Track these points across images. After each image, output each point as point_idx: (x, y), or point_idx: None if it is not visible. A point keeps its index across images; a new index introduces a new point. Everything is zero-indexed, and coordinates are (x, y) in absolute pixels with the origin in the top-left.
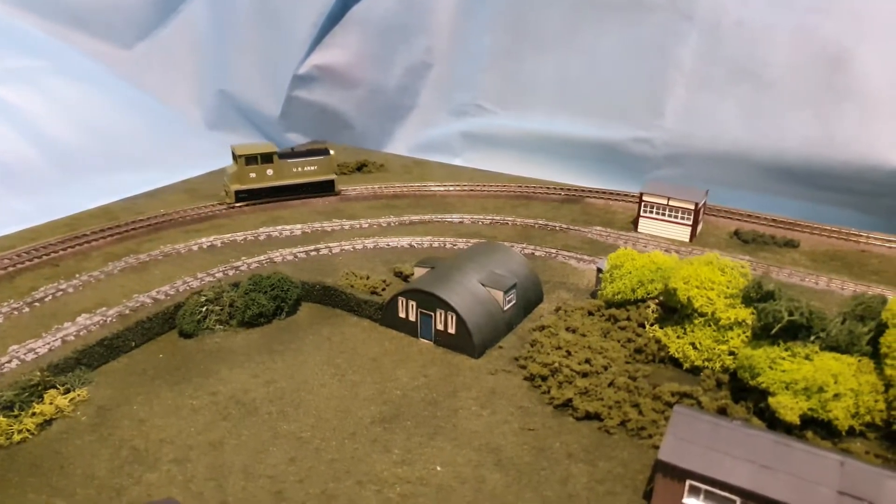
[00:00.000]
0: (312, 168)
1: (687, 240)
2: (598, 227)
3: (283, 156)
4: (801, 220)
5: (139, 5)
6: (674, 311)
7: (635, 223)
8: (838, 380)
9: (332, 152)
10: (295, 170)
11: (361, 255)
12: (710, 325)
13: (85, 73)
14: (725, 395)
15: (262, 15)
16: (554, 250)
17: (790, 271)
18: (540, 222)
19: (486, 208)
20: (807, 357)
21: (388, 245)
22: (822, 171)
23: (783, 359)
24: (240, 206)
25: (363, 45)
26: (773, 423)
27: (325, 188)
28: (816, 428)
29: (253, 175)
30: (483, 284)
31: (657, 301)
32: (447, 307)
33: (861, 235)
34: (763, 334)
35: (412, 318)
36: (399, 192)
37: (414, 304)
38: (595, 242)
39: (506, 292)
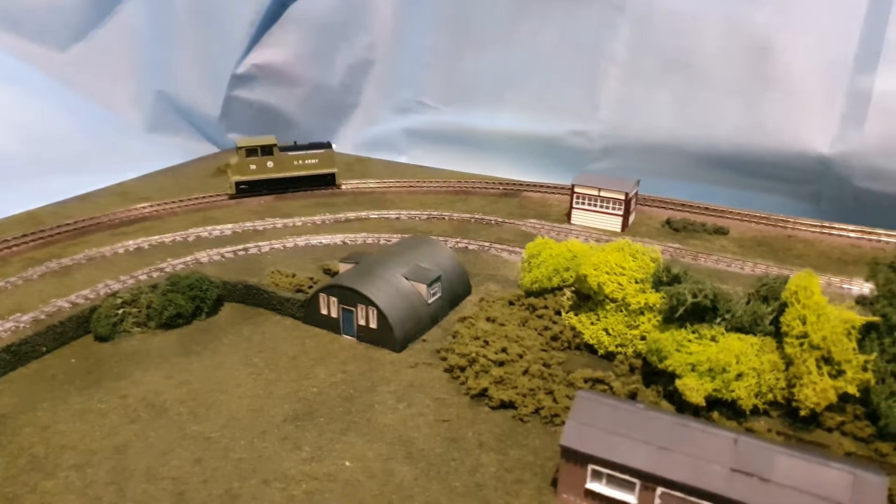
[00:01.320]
0: (313, 161)
1: (619, 230)
2: (533, 220)
3: (285, 148)
4: (731, 208)
5: (74, 6)
6: (588, 298)
7: (569, 215)
8: (741, 360)
9: (334, 146)
10: (296, 162)
11: (292, 254)
12: (621, 311)
13: (17, 77)
14: (637, 380)
15: (199, 14)
16: (487, 244)
17: (717, 258)
18: (476, 217)
19: (425, 204)
20: (713, 339)
21: (321, 243)
22: (752, 159)
23: (689, 341)
24: (240, 197)
25: (303, 43)
26: (682, 405)
27: (326, 181)
28: (722, 408)
29: (253, 167)
30: (407, 278)
31: (573, 289)
32: (368, 302)
33: (788, 221)
34: (671, 318)
35: (334, 314)
36: (337, 189)
37: (335, 300)
38: (529, 235)
39: (429, 285)
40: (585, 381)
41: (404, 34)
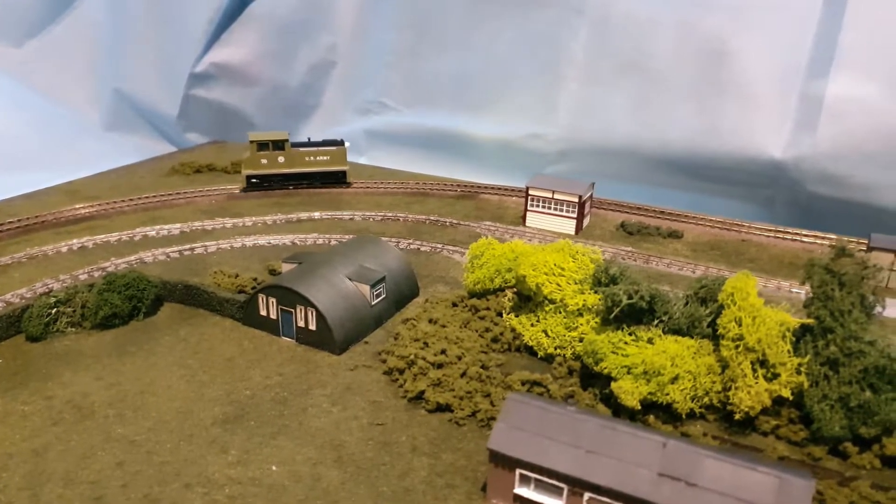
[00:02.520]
0: (325, 158)
1: (573, 233)
2: (488, 222)
3: (298, 144)
4: (686, 212)
5: (29, 1)
6: (529, 299)
7: (524, 218)
8: (676, 362)
9: (347, 144)
10: (307, 158)
11: (238, 254)
12: (560, 312)
13: None
14: (575, 383)
15: (158, 12)
16: (440, 245)
17: (669, 261)
18: (431, 218)
19: (381, 205)
20: (649, 341)
21: (269, 243)
22: (707, 163)
23: (626, 343)
24: (248, 192)
25: (263, 43)
26: (619, 408)
27: (337, 178)
28: (658, 412)
29: (264, 161)
30: (350, 279)
31: (515, 290)
32: (307, 303)
33: (743, 225)
34: (609, 319)
35: (273, 315)
36: (292, 190)
37: (274, 300)
38: (484, 236)
39: (373, 286)
40: (523, 383)
41: (366, 35)
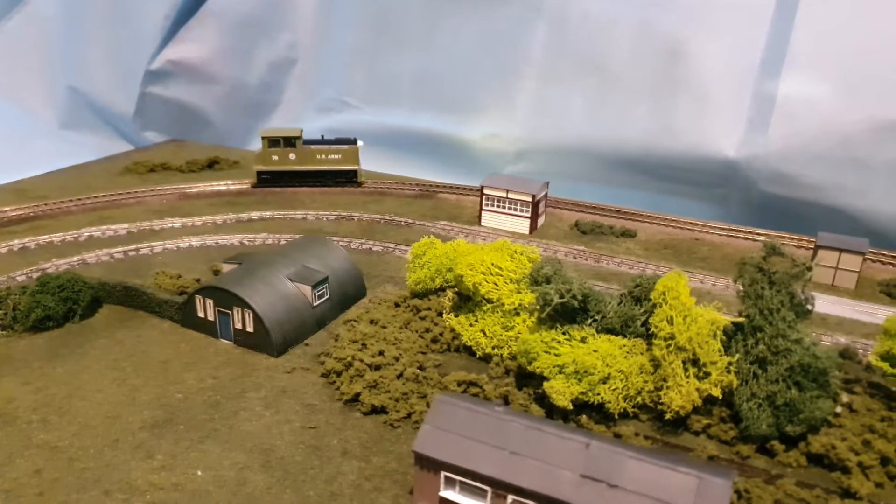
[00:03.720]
0: (336, 156)
1: (527, 232)
2: (444, 222)
3: (310, 142)
4: (641, 211)
5: None
6: (469, 299)
7: (479, 217)
8: (607, 362)
9: (360, 143)
10: (318, 156)
11: (185, 255)
12: (497, 312)
13: None
14: (511, 383)
15: (112, 7)
16: (393, 245)
17: (621, 260)
18: (387, 218)
19: (336, 204)
20: (583, 340)
21: (217, 243)
22: (662, 163)
23: (559, 343)
24: (261, 187)
25: (221, 40)
26: (552, 408)
27: (348, 177)
28: (591, 412)
29: (275, 157)
30: (291, 280)
31: (455, 289)
32: (244, 304)
33: (697, 224)
34: (543, 318)
35: (211, 317)
36: (246, 189)
37: (211, 302)
38: (438, 237)
39: (314, 287)
40: (459, 384)
41: (327, 33)
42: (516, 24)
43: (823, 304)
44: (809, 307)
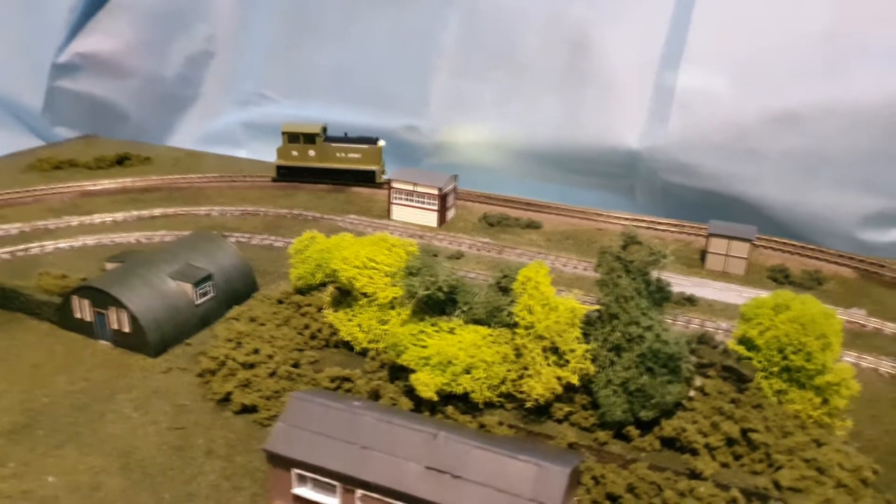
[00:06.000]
0: (356, 156)
1: (436, 225)
2: (353, 216)
3: (332, 139)
4: (548, 202)
5: None
6: (348, 293)
7: (389, 211)
8: (471, 352)
9: (382, 143)
10: (338, 154)
11: (77, 254)
12: (373, 306)
13: None
14: (384, 377)
15: None
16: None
17: (522, 251)
18: (295, 212)
19: (245, 199)
20: (451, 331)
21: (113, 242)
22: (571, 154)
23: (427, 335)
24: (281, 181)
25: (134, 32)
26: (420, 401)
27: (367, 178)
28: (458, 402)
29: (295, 153)
30: (172, 278)
31: (336, 284)
32: (119, 304)
33: (601, 214)
34: (413, 311)
35: (88, 318)
36: (153, 184)
37: (87, 302)
38: (345, 231)
39: (196, 285)
40: (332, 380)
41: (245, 26)
42: (430, 16)
43: (712, 290)
44: (667, 294)
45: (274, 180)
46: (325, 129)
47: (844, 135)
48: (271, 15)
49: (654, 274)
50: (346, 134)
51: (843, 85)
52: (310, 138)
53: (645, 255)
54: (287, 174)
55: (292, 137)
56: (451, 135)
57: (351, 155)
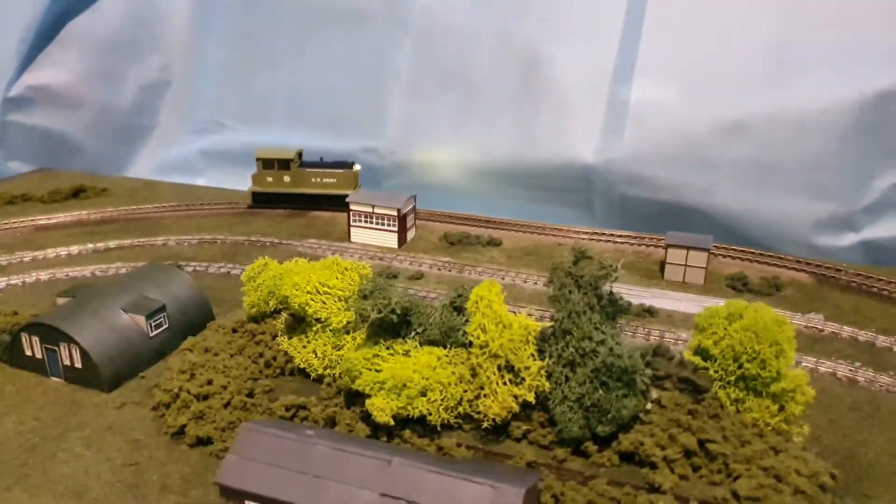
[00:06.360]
0: (331, 180)
1: (396, 246)
2: (313, 241)
3: (307, 164)
4: (508, 219)
5: None
6: (303, 320)
7: (349, 233)
8: (425, 374)
9: (357, 167)
10: (313, 179)
11: (30, 290)
12: (327, 331)
13: None
14: (340, 403)
15: None
16: None
17: (483, 269)
18: (252, 239)
19: (202, 228)
20: (406, 353)
21: (67, 276)
22: (527, 171)
23: (382, 359)
24: (256, 208)
25: (86, 63)
26: (377, 426)
27: (343, 202)
28: (415, 426)
29: (270, 179)
30: (125, 311)
31: (289, 311)
32: (69, 340)
33: (561, 229)
34: (368, 335)
35: (39, 355)
36: (109, 216)
37: (37, 339)
38: (303, 255)
39: (149, 317)
40: (287, 408)
41: (199, 54)
42: (383, 39)
43: (671, 301)
44: (620, 307)
45: (249, 207)
46: (300, 155)
47: (791, 142)
48: (225, 42)
49: (607, 288)
50: (321, 159)
51: (788, 93)
52: (284, 164)
53: (595, 270)
54: (263, 200)
55: (267, 163)
56: (410, 155)
57: (326, 180)
